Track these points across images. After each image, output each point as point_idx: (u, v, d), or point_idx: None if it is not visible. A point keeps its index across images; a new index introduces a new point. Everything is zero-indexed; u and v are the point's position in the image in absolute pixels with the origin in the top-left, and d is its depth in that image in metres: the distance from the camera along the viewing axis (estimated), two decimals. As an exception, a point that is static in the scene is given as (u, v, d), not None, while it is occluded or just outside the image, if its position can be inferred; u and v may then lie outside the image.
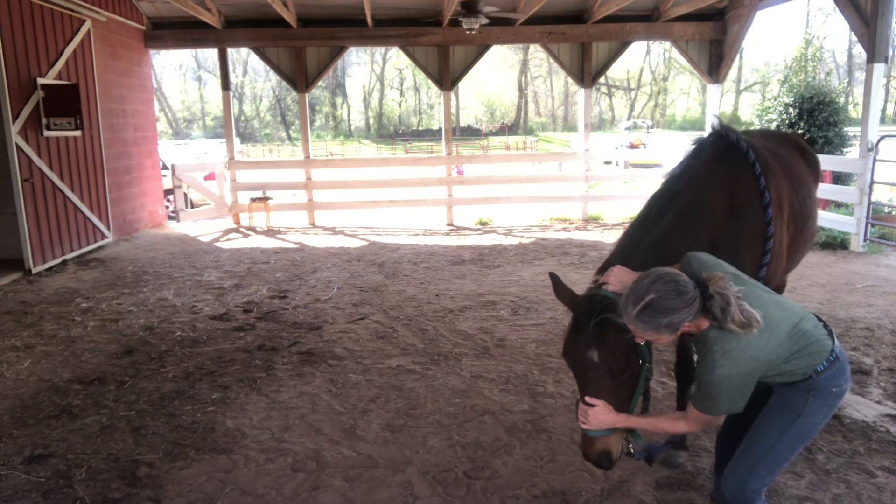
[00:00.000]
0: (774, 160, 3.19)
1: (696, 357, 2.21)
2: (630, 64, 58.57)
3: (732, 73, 47.60)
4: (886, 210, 9.94)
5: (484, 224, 11.63)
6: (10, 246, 8.01)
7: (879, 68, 8.25)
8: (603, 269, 2.61)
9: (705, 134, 3.20)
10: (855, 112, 28.72)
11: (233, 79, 40.43)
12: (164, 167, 12.39)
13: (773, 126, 11.21)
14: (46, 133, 8.14)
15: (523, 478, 3.28)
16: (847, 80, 47.45)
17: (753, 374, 2.10)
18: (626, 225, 3.03)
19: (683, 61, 28.91)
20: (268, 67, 12.91)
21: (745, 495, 2.32)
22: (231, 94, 12.29)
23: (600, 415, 2.29)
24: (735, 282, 2.14)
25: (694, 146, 3.13)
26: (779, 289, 4.06)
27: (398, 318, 6.03)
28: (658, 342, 2.18)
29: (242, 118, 57.21)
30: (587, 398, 2.32)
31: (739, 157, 2.97)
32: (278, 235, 10.85)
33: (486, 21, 9.96)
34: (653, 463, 2.55)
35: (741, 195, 2.89)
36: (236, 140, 12.39)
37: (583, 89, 12.04)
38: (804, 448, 3.41)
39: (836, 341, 2.23)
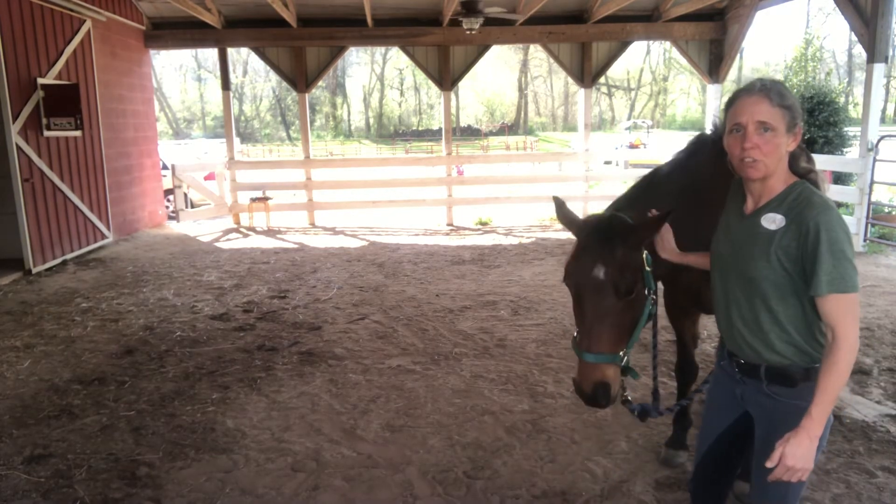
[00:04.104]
0: None
1: (778, 227, 1.84)
2: (630, 64, 58.55)
3: (732, 73, 47.56)
4: (886, 210, 9.94)
5: (484, 224, 11.63)
6: (10, 246, 8.01)
7: (879, 68, 8.25)
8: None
9: (707, 132, 3.15)
10: (855, 112, 28.71)
11: (233, 79, 40.37)
12: (164, 167, 12.39)
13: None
14: (46, 133, 8.14)
15: (523, 478, 3.28)
16: (847, 80, 47.47)
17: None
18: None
19: (683, 61, 28.92)
20: (268, 67, 12.92)
21: None
22: (231, 94, 12.29)
23: (799, 450, 1.76)
24: None
25: (691, 145, 3.04)
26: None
27: (398, 318, 6.02)
28: (764, 136, 1.82)
29: (242, 118, 57.19)
30: (768, 463, 1.81)
31: None
32: (278, 235, 10.85)
33: (485, 21, 9.96)
34: (645, 419, 2.43)
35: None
36: (236, 140, 12.39)
37: (583, 89, 12.04)
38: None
39: None
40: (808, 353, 1.88)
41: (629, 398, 2.40)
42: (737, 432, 2.12)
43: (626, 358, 2.29)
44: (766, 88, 1.84)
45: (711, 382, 2.27)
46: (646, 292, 2.29)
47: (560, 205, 2.47)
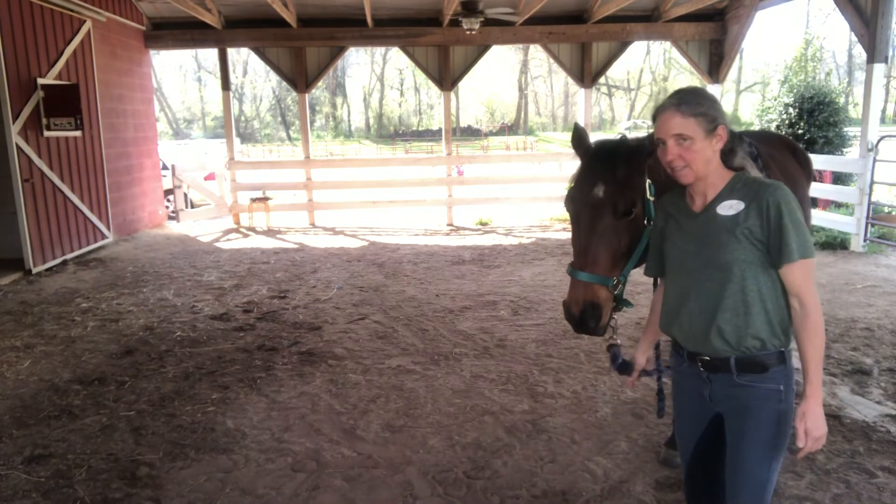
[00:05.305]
0: (770, 160, 3.25)
1: (737, 210, 1.95)
2: (630, 64, 58.53)
3: (732, 73, 47.62)
4: (886, 210, 9.94)
5: (484, 224, 11.63)
6: (10, 246, 8.01)
7: (879, 68, 8.25)
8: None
9: None
10: (855, 112, 28.73)
11: (233, 79, 40.38)
12: (164, 167, 12.39)
13: (773, 126, 11.22)
14: (46, 133, 8.14)
15: (523, 478, 3.28)
16: (847, 80, 47.52)
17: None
18: None
19: (683, 61, 28.91)
20: (268, 67, 12.92)
21: None
22: (231, 95, 12.29)
23: (817, 419, 1.86)
24: None
25: None
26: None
27: (398, 318, 6.03)
28: (682, 146, 1.96)
29: (242, 118, 57.19)
30: (798, 443, 1.88)
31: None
32: (278, 235, 10.85)
33: (485, 21, 9.96)
34: (621, 375, 2.37)
35: None
36: (236, 140, 12.40)
37: (583, 89, 12.05)
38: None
39: None
40: (778, 337, 1.95)
41: (618, 342, 2.36)
42: (715, 435, 2.12)
43: (620, 287, 2.28)
44: (675, 104, 1.99)
45: (674, 390, 2.24)
46: (645, 221, 2.30)
47: (579, 130, 2.46)
